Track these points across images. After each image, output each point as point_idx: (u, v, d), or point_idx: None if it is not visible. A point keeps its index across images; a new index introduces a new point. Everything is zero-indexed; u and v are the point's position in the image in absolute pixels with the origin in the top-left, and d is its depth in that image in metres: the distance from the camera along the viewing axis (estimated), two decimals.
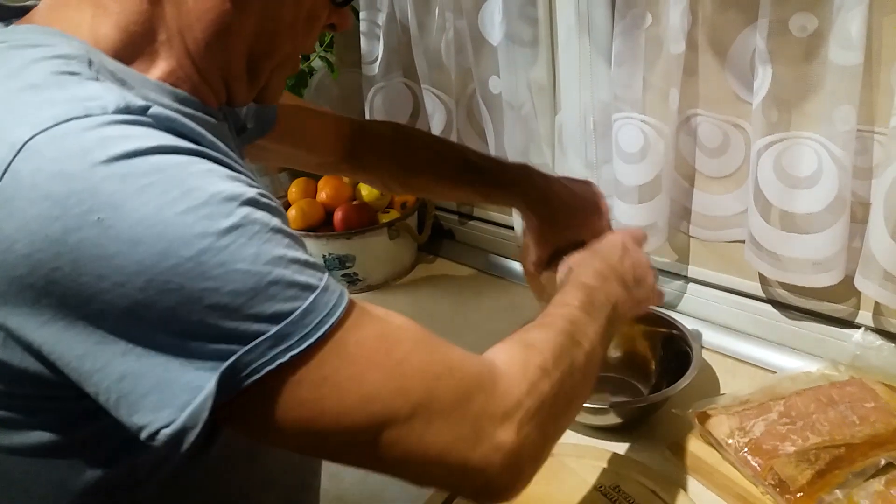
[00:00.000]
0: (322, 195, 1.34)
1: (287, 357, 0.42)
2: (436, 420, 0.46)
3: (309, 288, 0.44)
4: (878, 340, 0.93)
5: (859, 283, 0.88)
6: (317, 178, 1.38)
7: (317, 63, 1.34)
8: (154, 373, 0.41)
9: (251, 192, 0.44)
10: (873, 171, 0.87)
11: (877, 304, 0.94)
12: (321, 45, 1.30)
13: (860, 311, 0.96)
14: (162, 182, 0.41)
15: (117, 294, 0.40)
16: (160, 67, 0.51)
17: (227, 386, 0.42)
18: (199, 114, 0.53)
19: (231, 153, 0.47)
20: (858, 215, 0.88)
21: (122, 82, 0.48)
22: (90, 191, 0.39)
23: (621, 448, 0.88)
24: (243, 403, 0.43)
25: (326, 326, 0.43)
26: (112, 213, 0.39)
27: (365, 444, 0.45)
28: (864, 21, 0.77)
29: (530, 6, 1.09)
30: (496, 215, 1.36)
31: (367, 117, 1.33)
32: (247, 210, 0.42)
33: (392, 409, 0.45)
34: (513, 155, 1.16)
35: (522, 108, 1.13)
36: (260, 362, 0.42)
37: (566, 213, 0.86)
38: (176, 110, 0.47)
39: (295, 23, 0.55)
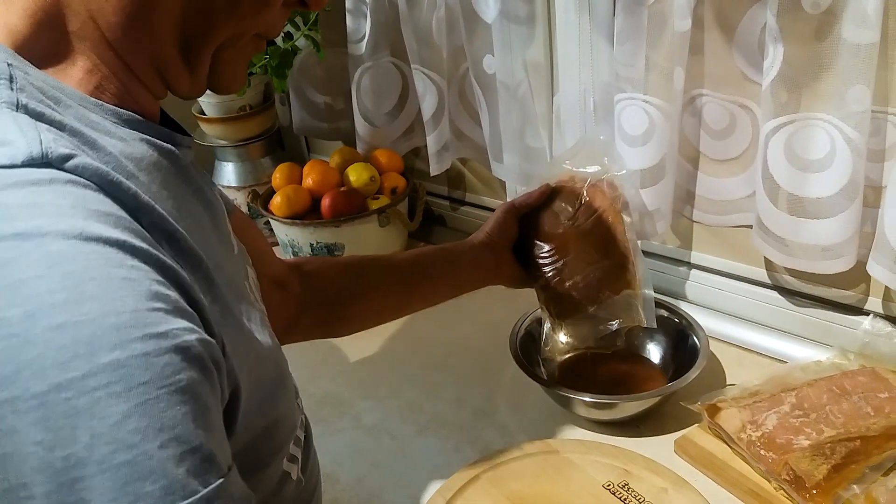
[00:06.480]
0: (308, 181, 1.28)
1: None
2: None
3: (180, 493, 0.30)
4: (887, 327, 0.90)
5: (872, 268, 0.85)
6: (302, 163, 1.33)
7: (301, 42, 1.28)
8: None
9: (176, 321, 0.32)
10: (886, 153, 0.83)
11: (886, 289, 0.92)
12: (305, 24, 1.24)
13: (869, 298, 0.93)
14: (49, 279, 0.30)
15: None
16: (80, 65, 0.45)
17: None
18: (153, 139, 0.46)
19: (187, 200, 0.39)
20: (869, 199, 0.85)
21: (56, 101, 0.41)
22: None
23: (629, 443, 0.85)
24: None
25: None
26: None
27: None
28: None
29: None
30: (489, 200, 1.32)
31: (354, 99, 1.28)
32: (149, 346, 0.30)
33: None
34: (508, 137, 1.11)
35: (518, 88, 1.09)
36: None
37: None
38: (120, 138, 0.42)
39: None
